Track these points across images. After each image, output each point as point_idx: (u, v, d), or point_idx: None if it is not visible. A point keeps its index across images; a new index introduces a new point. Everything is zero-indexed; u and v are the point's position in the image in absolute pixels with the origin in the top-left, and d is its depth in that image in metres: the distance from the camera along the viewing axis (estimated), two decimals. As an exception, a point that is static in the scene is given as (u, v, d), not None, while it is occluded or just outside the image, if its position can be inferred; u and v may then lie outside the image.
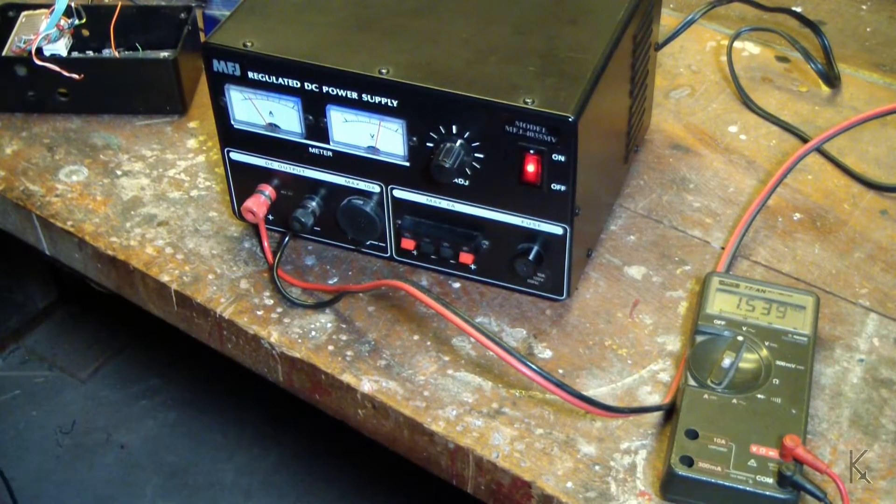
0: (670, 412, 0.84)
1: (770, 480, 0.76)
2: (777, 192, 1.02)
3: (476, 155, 0.86)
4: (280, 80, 0.88)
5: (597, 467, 0.82)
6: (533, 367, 0.78)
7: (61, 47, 1.14)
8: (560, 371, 0.89)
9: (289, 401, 1.05)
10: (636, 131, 1.04)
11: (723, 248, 0.98)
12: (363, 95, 0.86)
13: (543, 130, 0.82)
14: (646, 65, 1.02)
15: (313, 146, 0.92)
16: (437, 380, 0.88)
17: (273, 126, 0.92)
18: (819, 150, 1.08)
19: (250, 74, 0.89)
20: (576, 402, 0.80)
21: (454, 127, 0.85)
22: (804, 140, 1.10)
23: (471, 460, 0.84)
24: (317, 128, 0.90)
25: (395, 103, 0.86)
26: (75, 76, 1.12)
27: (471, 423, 0.85)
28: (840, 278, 0.96)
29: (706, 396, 0.82)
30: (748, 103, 1.15)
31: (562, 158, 0.83)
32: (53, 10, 1.14)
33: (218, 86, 0.91)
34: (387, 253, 0.96)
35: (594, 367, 0.89)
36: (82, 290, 1.99)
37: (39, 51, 1.12)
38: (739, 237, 0.98)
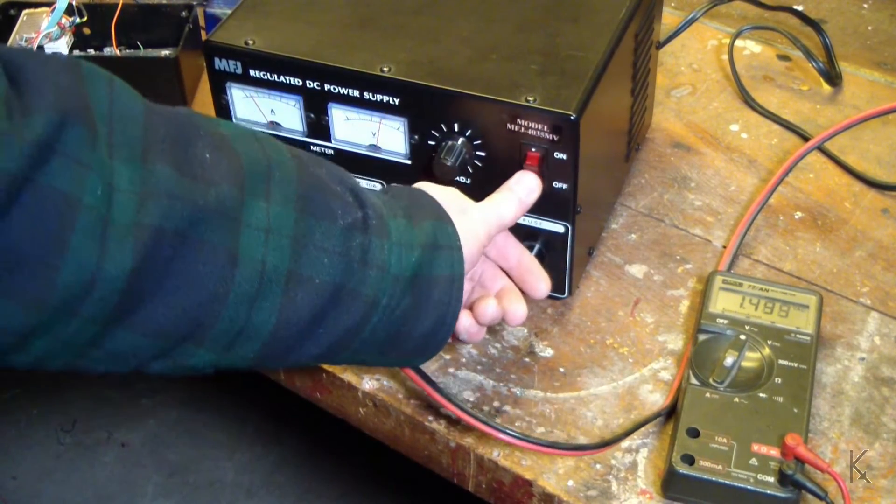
0: (670, 412, 0.84)
1: (771, 479, 0.76)
2: (778, 190, 1.02)
3: (478, 153, 0.86)
4: (282, 78, 0.88)
5: (598, 466, 0.82)
6: (514, 433, 0.79)
7: (62, 46, 1.14)
8: (561, 369, 0.89)
9: (290, 399, 1.05)
10: (637, 130, 1.04)
11: (724, 247, 0.98)
12: (365, 93, 0.86)
13: (545, 128, 0.82)
14: (647, 63, 1.02)
15: (315, 144, 0.92)
16: (438, 378, 0.88)
17: (275, 124, 0.92)
18: (820, 149, 1.08)
19: (252, 73, 0.89)
20: (571, 453, 0.82)
21: (456, 125, 0.85)
22: (805, 139, 1.10)
23: (472, 459, 0.84)
24: (318, 126, 0.90)
25: (396, 101, 0.86)
26: (76, 74, 1.11)
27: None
28: (841, 277, 0.96)
29: (708, 395, 0.82)
30: (749, 102, 1.15)
31: (563, 157, 0.83)
32: (55, 8, 1.14)
33: (219, 84, 0.91)
34: (388, 251, 0.96)
35: (595, 366, 0.89)
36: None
37: (41, 49, 1.12)
38: (741, 236, 0.97)
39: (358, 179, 0.91)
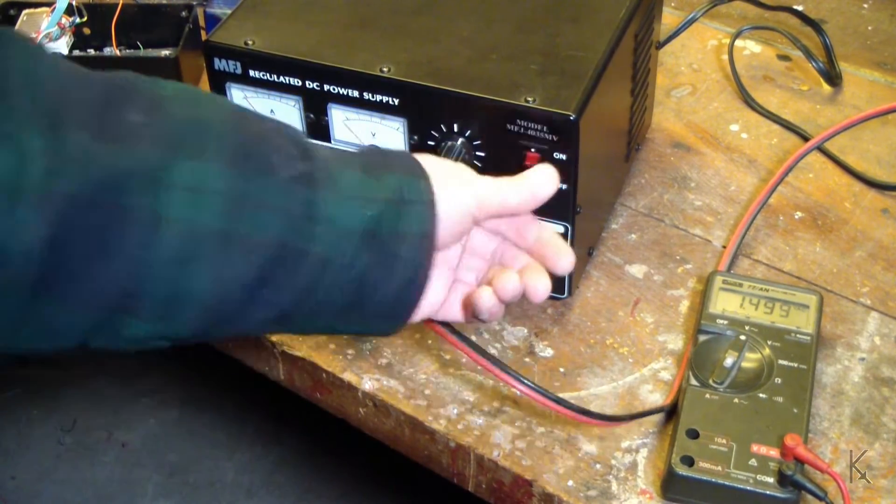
0: (671, 413, 0.84)
1: (771, 480, 0.76)
2: (778, 190, 1.02)
3: (477, 153, 0.86)
4: (281, 78, 0.88)
5: (598, 466, 0.82)
6: (528, 382, 0.77)
7: (63, 46, 1.14)
8: (561, 370, 0.89)
9: (290, 399, 1.05)
10: (637, 130, 1.04)
11: (724, 247, 0.98)
12: (364, 94, 0.86)
13: (545, 129, 0.82)
14: (647, 63, 1.02)
15: (314, 145, 0.91)
16: (438, 378, 0.88)
17: (274, 124, 0.92)
18: (820, 149, 1.08)
19: (251, 73, 0.89)
20: (575, 415, 0.80)
21: (455, 125, 0.85)
22: (805, 139, 1.10)
23: (472, 459, 0.84)
24: (318, 126, 0.90)
25: (395, 102, 0.86)
26: (76, 74, 1.11)
27: (472, 421, 0.85)
28: (841, 277, 0.96)
29: (708, 396, 0.82)
30: (749, 102, 1.15)
31: (563, 157, 0.83)
32: (55, 8, 1.14)
33: (219, 84, 0.91)
34: (388, 251, 0.96)
35: (595, 366, 0.89)
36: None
37: (40, 49, 1.12)
38: (741, 236, 0.97)
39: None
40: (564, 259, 0.76)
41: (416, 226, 0.69)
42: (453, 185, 0.72)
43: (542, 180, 0.75)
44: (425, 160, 0.72)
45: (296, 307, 0.67)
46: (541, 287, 0.74)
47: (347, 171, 0.68)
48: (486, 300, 0.73)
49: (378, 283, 0.68)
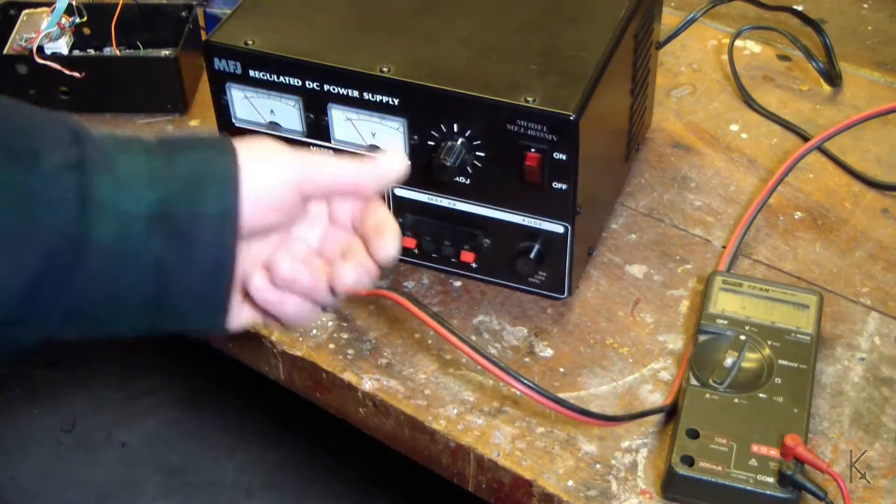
0: (671, 413, 0.84)
1: (771, 480, 0.76)
2: (778, 190, 1.02)
3: (477, 153, 0.86)
4: (281, 78, 0.88)
5: (598, 466, 0.82)
6: (528, 382, 0.78)
7: (62, 45, 1.14)
8: (561, 370, 0.89)
9: (290, 399, 1.05)
10: (637, 130, 1.04)
11: (724, 247, 0.98)
12: (364, 94, 0.86)
13: (544, 129, 0.82)
14: (647, 63, 1.02)
15: (314, 144, 0.92)
16: (437, 378, 0.88)
17: (274, 124, 0.92)
18: (820, 149, 1.08)
19: (251, 73, 0.89)
20: (574, 415, 0.80)
21: (455, 125, 0.85)
22: (805, 139, 1.10)
23: (472, 459, 0.84)
24: (318, 126, 0.90)
25: (395, 102, 0.86)
26: (76, 74, 1.12)
27: (472, 421, 0.85)
28: (841, 277, 0.96)
29: (708, 396, 0.82)
30: (749, 102, 1.15)
31: (563, 157, 0.83)
32: (55, 8, 1.14)
33: (219, 84, 0.91)
34: (388, 251, 0.96)
35: (595, 366, 0.89)
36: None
37: (41, 49, 1.12)
38: (741, 236, 0.97)
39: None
40: (388, 242, 0.71)
41: (216, 204, 0.64)
42: (271, 157, 0.67)
43: (386, 159, 0.72)
44: (243, 139, 0.68)
45: (92, 301, 0.63)
46: (346, 278, 0.70)
47: (128, 152, 0.64)
48: (255, 281, 0.69)
49: (179, 269, 0.64)
